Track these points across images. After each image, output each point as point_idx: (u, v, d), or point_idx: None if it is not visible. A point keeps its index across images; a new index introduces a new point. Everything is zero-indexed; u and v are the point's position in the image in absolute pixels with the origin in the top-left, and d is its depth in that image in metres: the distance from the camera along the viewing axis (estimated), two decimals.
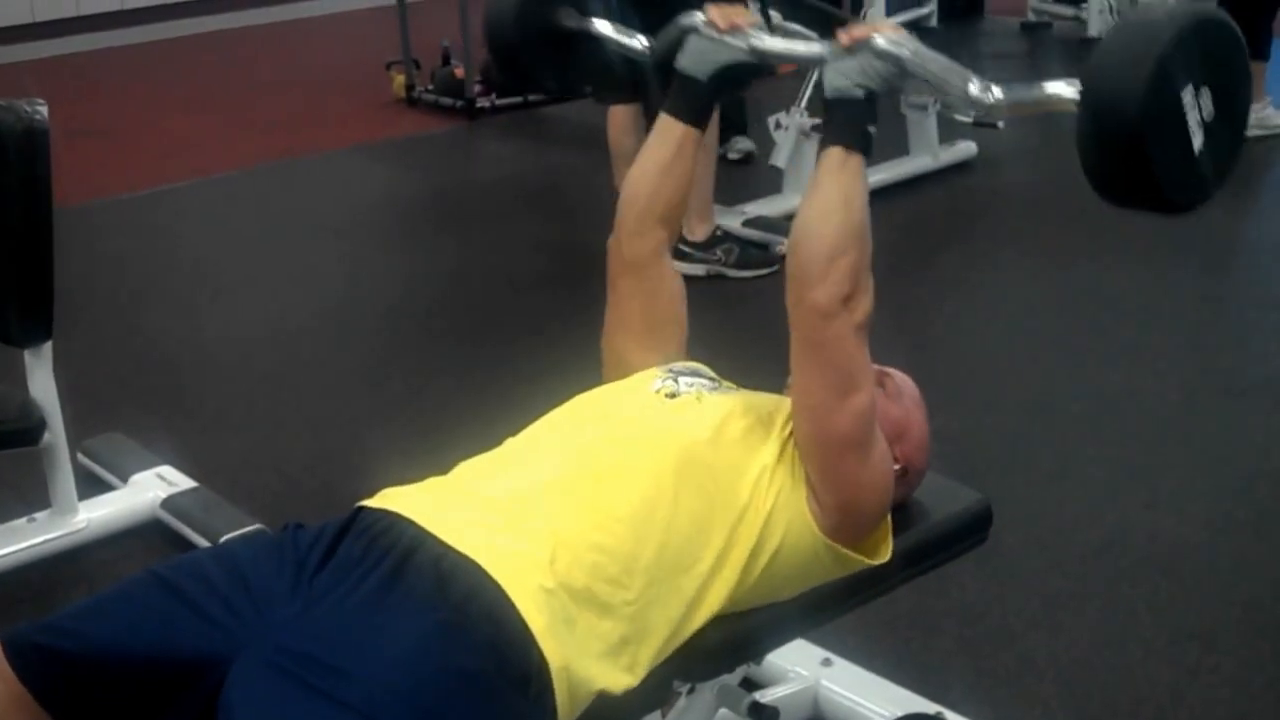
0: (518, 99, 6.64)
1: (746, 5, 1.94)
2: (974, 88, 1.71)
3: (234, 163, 6.03)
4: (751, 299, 4.16)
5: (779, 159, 4.88)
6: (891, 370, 1.92)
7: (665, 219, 1.95)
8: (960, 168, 5.43)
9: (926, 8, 8.04)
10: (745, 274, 4.32)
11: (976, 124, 5.20)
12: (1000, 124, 5.16)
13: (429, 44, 6.91)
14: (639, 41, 2.05)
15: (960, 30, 8.17)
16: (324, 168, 6.04)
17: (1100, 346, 3.84)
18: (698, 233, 4.30)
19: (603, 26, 2.08)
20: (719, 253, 4.34)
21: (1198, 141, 1.54)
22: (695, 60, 1.92)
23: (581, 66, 2.15)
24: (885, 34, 1.73)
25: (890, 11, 7.43)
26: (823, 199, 1.71)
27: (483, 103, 6.59)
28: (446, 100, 6.68)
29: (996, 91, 1.71)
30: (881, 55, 1.72)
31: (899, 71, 1.73)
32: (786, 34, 1.95)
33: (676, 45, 1.94)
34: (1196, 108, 1.54)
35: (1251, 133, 5.57)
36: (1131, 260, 4.44)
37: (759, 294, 4.17)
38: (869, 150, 1.74)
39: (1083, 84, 1.55)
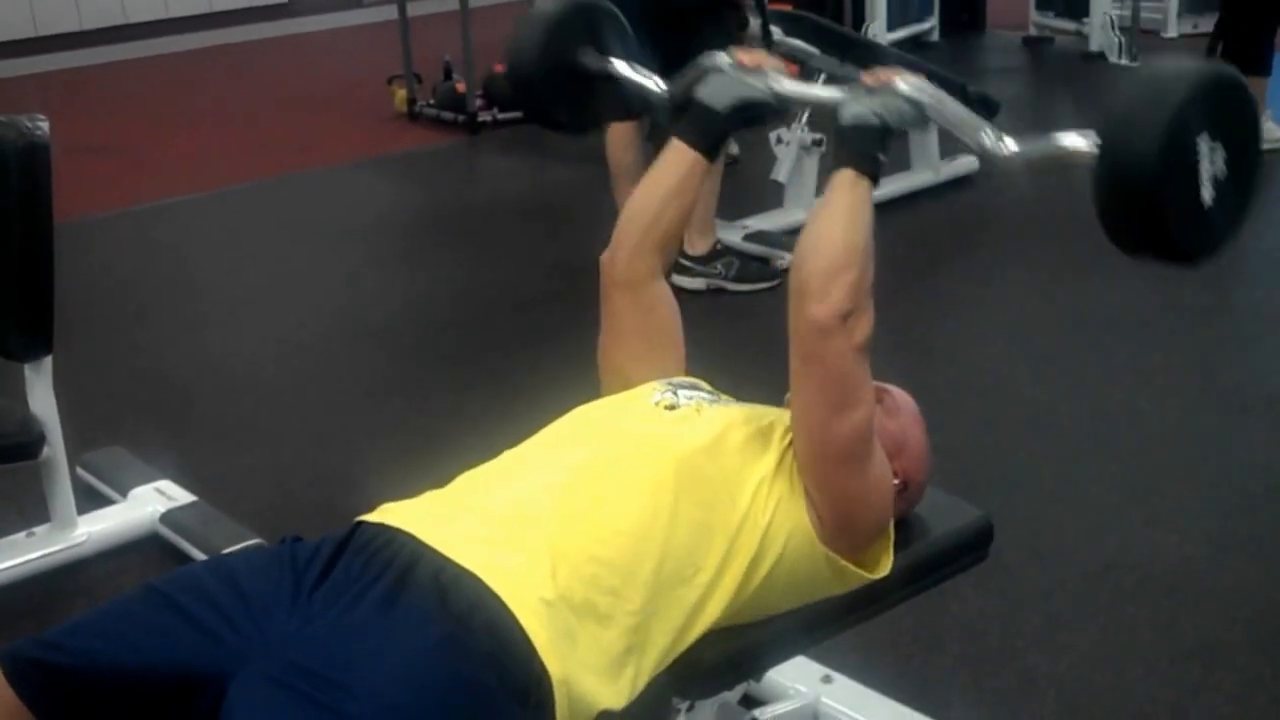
0: (519, 114, 6.65)
1: (767, 48, 1.98)
2: (987, 140, 1.76)
3: (236, 178, 6.04)
4: (750, 314, 4.16)
5: (780, 174, 4.89)
6: (890, 386, 1.93)
7: (663, 244, 1.96)
8: (961, 182, 5.43)
9: (928, 22, 8.06)
10: (745, 288, 4.33)
11: None
12: None
13: (431, 59, 6.93)
14: (655, 84, 2.08)
15: (962, 44, 8.19)
16: (325, 182, 6.05)
17: (1101, 362, 3.84)
18: (698, 246, 4.30)
19: (621, 68, 2.10)
20: (719, 266, 4.35)
21: (1208, 196, 1.58)
22: (714, 91, 1.94)
23: (596, 105, 2.18)
24: (909, 80, 1.79)
25: (892, 26, 7.46)
26: (830, 216, 1.73)
27: (484, 117, 6.61)
28: (448, 115, 6.70)
29: (1009, 144, 1.75)
30: (903, 99, 1.78)
31: (917, 115, 1.79)
32: (803, 65, 1.99)
33: (695, 87, 1.97)
34: (1210, 161, 1.57)
35: None
36: (1132, 276, 4.40)
37: (758, 309, 4.17)
38: (877, 177, 1.77)
39: (1101, 136, 1.58)
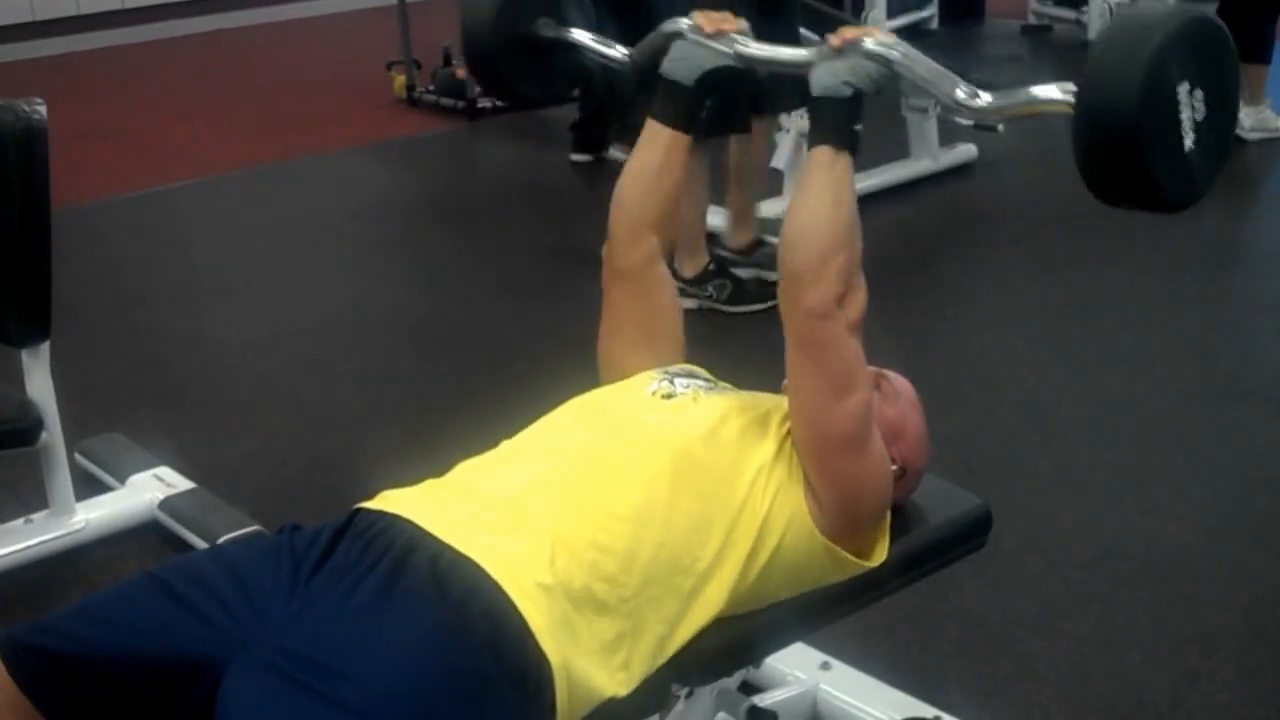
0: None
1: (735, 13, 1.93)
2: (961, 92, 1.71)
3: (234, 163, 6.03)
4: (741, 331, 4.00)
5: (779, 161, 4.88)
6: (888, 372, 1.92)
7: (657, 226, 1.95)
8: (960, 171, 5.42)
9: (927, 10, 8.04)
10: (740, 310, 4.16)
11: (977, 127, 5.20)
12: (1000, 128, 5.16)
13: (430, 44, 6.91)
14: (618, 51, 2.05)
15: (961, 33, 8.17)
16: (324, 168, 6.04)
17: (1099, 351, 3.84)
18: (688, 269, 4.15)
19: (581, 35, 2.08)
20: (710, 290, 4.18)
21: (1189, 140, 1.55)
22: (680, 65, 1.91)
23: (560, 75, 2.16)
24: (875, 36, 1.75)
25: (891, 14, 7.42)
26: (813, 200, 1.72)
27: (484, 103, 6.59)
28: (447, 101, 6.68)
29: (984, 96, 1.71)
30: (871, 56, 1.74)
31: (887, 73, 1.74)
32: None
33: (660, 53, 1.94)
34: (1190, 106, 1.54)
35: (1251, 135, 5.58)
36: (1131, 264, 4.44)
37: (749, 327, 4.01)
38: (856, 149, 1.75)
39: (1078, 83, 1.56)
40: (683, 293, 4.12)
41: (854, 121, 1.75)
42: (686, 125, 1.94)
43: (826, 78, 1.75)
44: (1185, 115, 1.54)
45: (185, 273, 4.78)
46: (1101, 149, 1.55)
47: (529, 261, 4.72)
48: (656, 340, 1.97)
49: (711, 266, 4.22)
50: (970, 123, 5.15)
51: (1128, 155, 1.52)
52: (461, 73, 6.61)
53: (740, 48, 1.90)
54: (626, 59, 2.03)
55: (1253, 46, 5.50)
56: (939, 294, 4.33)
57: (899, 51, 1.74)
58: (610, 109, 5.66)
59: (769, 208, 4.82)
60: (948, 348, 3.93)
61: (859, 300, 1.70)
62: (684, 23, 1.92)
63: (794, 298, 1.69)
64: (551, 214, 5.30)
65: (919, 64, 1.74)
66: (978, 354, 3.86)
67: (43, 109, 2.54)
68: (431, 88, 6.82)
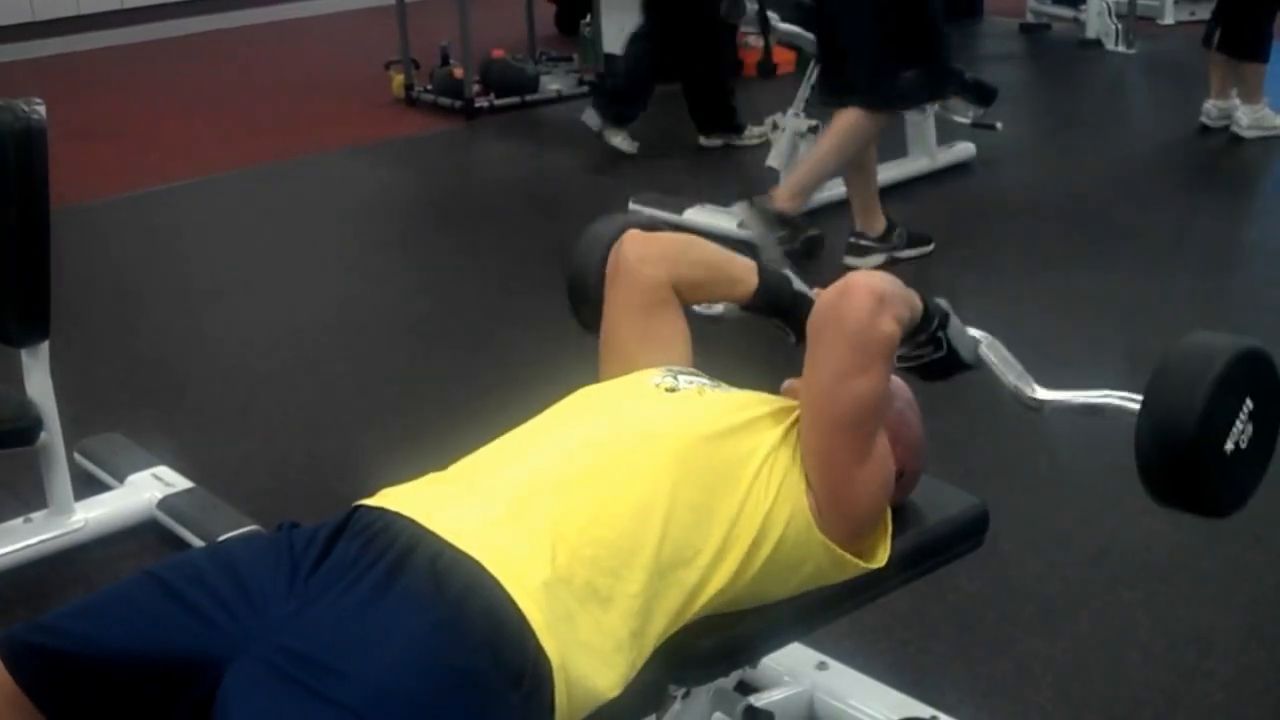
0: (516, 99, 6.65)
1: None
2: (1027, 390, 2.02)
3: (233, 162, 6.03)
4: (740, 334, 4.06)
5: (775, 160, 4.88)
6: None
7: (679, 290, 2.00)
8: (958, 169, 5.43)
9: None
10: (915, 253, 4.53)
11: (975, 125, 5.21)
12: (998, 125, 5.17)
13: (428, 44, 6.91)
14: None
15: (959, 31, 8.17)
16: (322, 168, 6.04)
17: (1097, 348, 3.84)
18: (873, 229, 4.48)
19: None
20: (895, 239, 4.51)
21: (1233, 452, 1.68)
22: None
23: None
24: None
25: None
26: None
27: (481, 103, 6.60)
28: (445, 100, 6.69)
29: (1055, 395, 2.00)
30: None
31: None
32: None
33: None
34: (1240, 429, 1.69)
35: (1249, 133, 5.58)
36: (1129, 262, 4.44)
37: (748, 330, 4.09)
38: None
39: (1146, 397, 1.73)
40: (868, 251, 4.44)
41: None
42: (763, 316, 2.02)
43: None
44: (1233, 438, 1.68)
45: (184, 272, 4.78)
46: (1163, 460, 1.70)
47: (527, 261, 4.72)
48: (657, 336, 1.97)
49: (887, 224, 4.50)
50: (969, 121, 5.16)
51: (1187, 468, 1.68)
52: (459, 72, 6.61)
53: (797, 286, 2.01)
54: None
55: (1251, 45, 5.50)
56: (936, 291, 4.29)
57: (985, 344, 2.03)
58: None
59: None
60: None
61: (893, 320, 1.76)
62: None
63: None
64: (548, 212, 5.29)
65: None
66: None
67: (42, 109, 2.54)
68: (430, 87, 6.83)
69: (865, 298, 1.69)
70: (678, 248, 1.99)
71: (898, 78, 4.25)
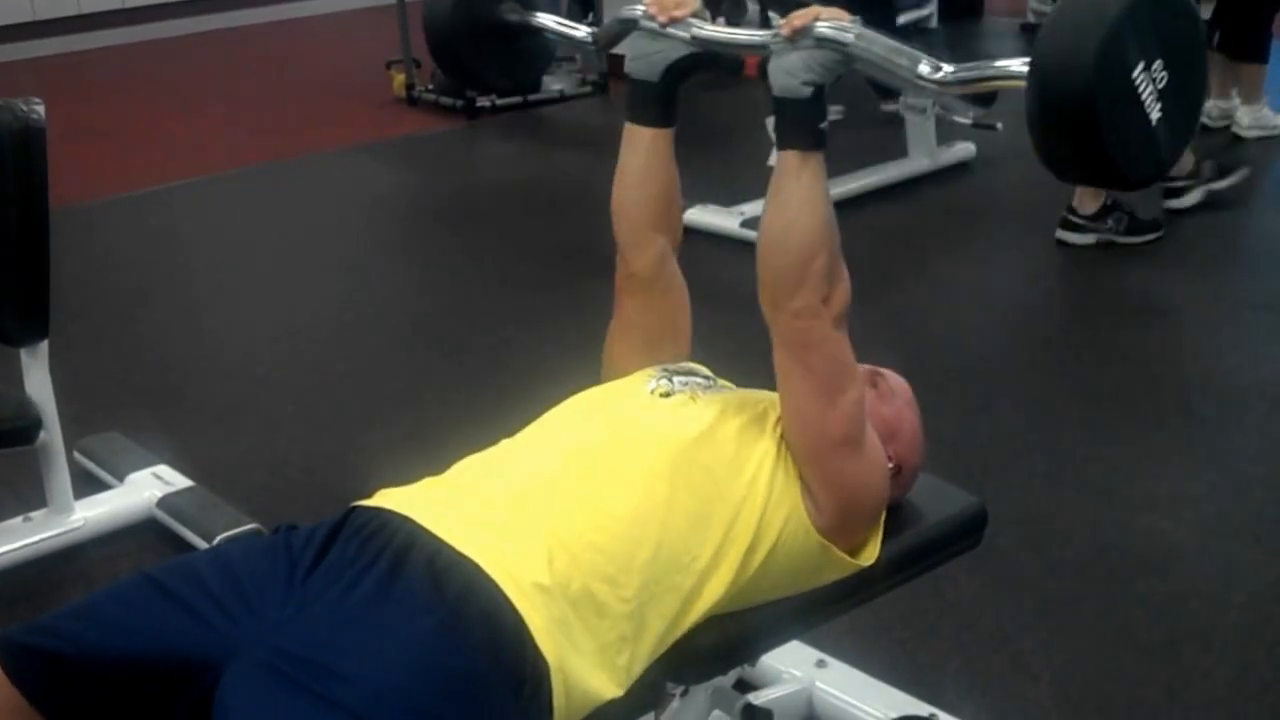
0: (518, 99, 6.65)
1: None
2: (924, 67, 1.64)
3: (233, 162, 6.03)
4: (741, 328, 4.08)
5: (774, 159, 4.87)
6: (884, 370, 1.93)
7: (659, 224, 1.95)
8: (958, 169, 5.43)
9: (927, 8, 8.04)
10: (1136, 240, 4.52)
11: (975, 125, 5.21)
12: (999, 125, 5.16)
13: None
14: (582, 31, 2.07)
15: (960, 30, 8.16)
16: (323, 167, 6.04)
17: (1095, 347, 3.84)
18: (1088, 205, 4.49)
19: (544, 19, 2.10)
20: (1110, 222, 4.51)
21: (1154, 114, 1.49)
22: (641, 65, 1.90)
23: (527, 60, 2.18)
24: (827, 19, 1.67)
25: None
26: (785, 207, 1.70)
27: (483, 102, 6.59)
28: (446, 100, 6.69)
29: (947, 69, 1.64)
30: (824, 43, 1.67)
31: (843, 58, 1.67)
32: (732, 20, 1.96)
33: (618, 38, 1.95)
34: (1150, 80, 1.47)
35: (1249, 133, 5.58)
36: (1129, 261, 4.44)
37: (749, 325, 4.10)
38: (823, 146, 1.70)
39: (1032, 57, 1.48)
40: (1080, 229, 4.47)
41: (819, 120, 1.69)
42: (664, 121, 1.93)
43: (783, 78, 1.69)
44: (1145, 87, 1.47)
45: (184, 272, 4.78)
46: (1053, 121, 1.48)
47: (528, 260, 4.72)
48: (664, 342, 1.97)
49: (1108, 201, 4.50)
50: (969, 121, 5.16)
51: (1082, 127, 1.45)
52: None
53: (697, 31, 1.84)
54: (589, 39, 2.05)
55: (1250, 46, 5.50)
56: (936, 291, 4.33)
57: (853, 33, 1.66)
58: None
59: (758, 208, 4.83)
60: (944, 345, 3.93)
61: (842, 293, 1.68)
62: (638, 10, 1.89)
63: (778, 305, 1.68)
64: (549, 212, 5.30)
65: (876, 44, 1.66)
66: (974, 351, 3.86)
67: (41, 108, 2.54)
68: (431, 86, 6.83)
69: (821, 312, 1.67)
70: (616, 212, 1.97)
71: None
